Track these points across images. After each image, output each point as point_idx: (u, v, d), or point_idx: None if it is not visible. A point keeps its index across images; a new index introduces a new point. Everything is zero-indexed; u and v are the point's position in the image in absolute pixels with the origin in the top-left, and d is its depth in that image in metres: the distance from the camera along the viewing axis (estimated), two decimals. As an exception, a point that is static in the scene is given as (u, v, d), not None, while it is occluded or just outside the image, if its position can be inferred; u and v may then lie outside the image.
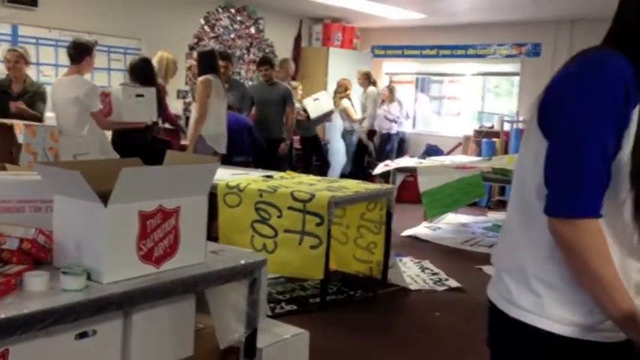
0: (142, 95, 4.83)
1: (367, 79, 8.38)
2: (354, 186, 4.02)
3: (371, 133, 8.44)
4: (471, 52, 8.99)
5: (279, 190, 3.72)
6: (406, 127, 9.24)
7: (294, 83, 7.55)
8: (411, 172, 5.88)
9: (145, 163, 2.19)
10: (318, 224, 3.55)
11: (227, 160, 5.29)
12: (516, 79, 8.95)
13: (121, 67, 6.82)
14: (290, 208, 3.63)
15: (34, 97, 4.89)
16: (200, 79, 5.29)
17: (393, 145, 8.61)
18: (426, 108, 10.10)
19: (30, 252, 1.84)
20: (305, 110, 7.40)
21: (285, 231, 3.65)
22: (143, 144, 4.88)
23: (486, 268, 4.78)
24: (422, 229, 6.09)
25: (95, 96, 4.69)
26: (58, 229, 1.92)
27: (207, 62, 5.36)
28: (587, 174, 1.14)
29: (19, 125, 3.17)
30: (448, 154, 8.03)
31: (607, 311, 1.17)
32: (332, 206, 3.54)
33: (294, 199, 3.62)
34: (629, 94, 1.13)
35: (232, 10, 8.19)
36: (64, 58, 6.41)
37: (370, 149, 8.93)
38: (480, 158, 6.56)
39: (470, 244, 5.64)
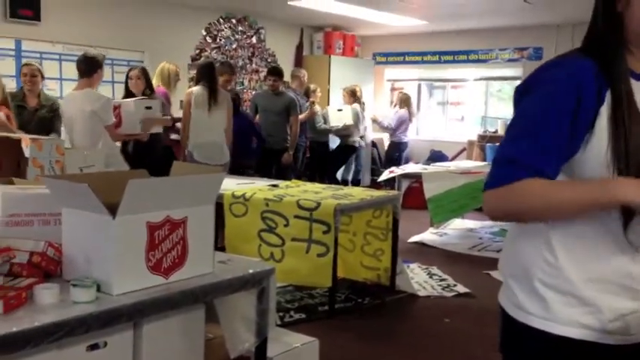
0: (150, 107, 4.97)
1: (352, 96, 8.04)
2: (360, 193, 4.02)
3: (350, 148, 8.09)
4: (472, 57, 9.00)
5: (285, 199, 3.72)
6: (410, 134, 9.25)
7: (312, 86, 7.62)
8: (416, 178, 5.88)
9: (162, 169, 2.21)
10: (324, 232, 3.55)
11: (234, 164, 5.47)
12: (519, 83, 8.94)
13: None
14: (296, 216, 3.63)
15: (52, 113, 4.92)
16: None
17: (401, 153, 8.56)
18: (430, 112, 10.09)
19: (40, 265, 1.84)
20: (324, 118, 7.48)
21: (293, 239, 3.65)
22: (159, 151, 5.24)
23: (494, 273, 4.75)
24: (428, 235, 6.08)
25: (110, 109, 4.81)
26: (67, 241, 1.92)
27: (200, 74, 5.42)
28: (525, 150, 1.17)
29: (25, 139, 3.17)
30: (452, 159, 8.04)
31: (605, 207, 1.15)
32: (338, 214, 3.54)
33: (300, 207, 3.62)
34: (581, 96, 1.16)
35: (233, 21, 8.23)
36: (68, 72, 6.48)
37: (375, 157, 8.95)
38: (485, 163, 6.56)
39: (477, 249, 5.62)
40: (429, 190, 5.44)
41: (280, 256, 3.69)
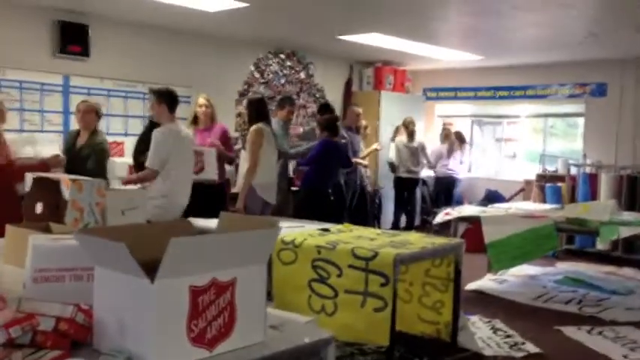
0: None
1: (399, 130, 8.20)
2: (419, 240, 3.68)
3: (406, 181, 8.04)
4: (530, 92, 8.62)
5: (339, 247, 3.42)
6: (459, 170, 8.91)
7: (363, 122, 7.59)
8: (473, 221, 5.50)
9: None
10: (382, 284, 3.22)
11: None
12: (580, 119, 8.54)
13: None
14: (351, 266, 3.32)
15: (90, 152, 4.77)
16: (252, 127, 5.17)
17: (458, 190, 8.30)
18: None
19: (67, 334, 1.60)
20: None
21: (346, 291, 3.34)
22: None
23: (566, 330, 4.32)
24: (487, 283, 5.66)
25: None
26: (99, 305, 1.68)
27: (258, 110, 5.22)
28: None
29: (65, 180, 2.99)
30: (509, 200, 7.60)
31: None
32: (398, 265, 3.21)
33: (356, 256, 3.31)
34: None
35: (282, 56, 8.10)
36: (117, 108, 6.41)
37: (425, 195, 8.62)
38: (549, 206, 6.10)
39: (542, 300, 5.17)
40: (489, 235, 5.06)
41: (332, 309, 3.38)
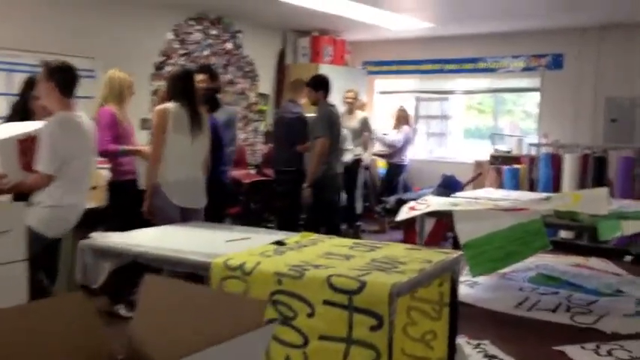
0: None
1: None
2: (410, 257, 2.78)
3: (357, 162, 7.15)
4: (480, 65, 7.91)
5: (308, 274, 2.47)
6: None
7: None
8: (442, 216, 4.70)
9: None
10: (373, 328, 2.31)
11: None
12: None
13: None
14: (327, 302, 2.39)
15: None
16: (156, 108, 4.04)
17: (404, 177, 7.53)
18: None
19: None
20: None
21: (321, 338, 2.40)
22: None
23: (569, 351, 3.58)
24: (457, 286, 4.87)
25: None
26: None
27: (176, 87, 4.02)
28: None
29: None
30: (466, 185, 6.84)
31: None
32: (395, 299, 2.30)
33: (334, 288, 2.38)
34: None
35: (205, 23, 6.95)
36: (2, 86, 5.12)
37: (368, 182, 7.80)
38: (531, 196, 5.30)
39: (526, 307, 4.42)
40: (465, 233, 4.25)
41: (302, 362, 2.44)
